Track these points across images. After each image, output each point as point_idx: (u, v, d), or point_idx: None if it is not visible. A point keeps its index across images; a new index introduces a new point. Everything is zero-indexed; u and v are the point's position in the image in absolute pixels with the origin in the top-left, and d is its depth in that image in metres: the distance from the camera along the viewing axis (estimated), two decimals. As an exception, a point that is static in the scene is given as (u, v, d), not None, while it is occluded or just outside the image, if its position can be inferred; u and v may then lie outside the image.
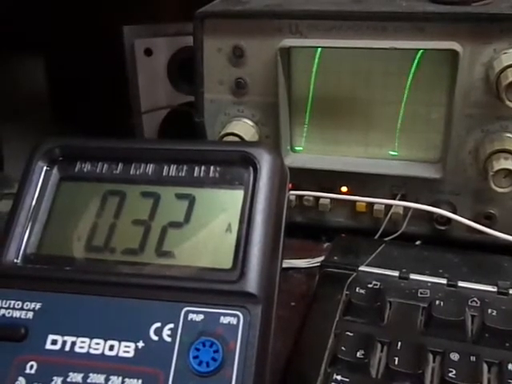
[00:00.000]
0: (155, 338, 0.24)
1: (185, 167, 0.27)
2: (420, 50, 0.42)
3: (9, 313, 0.25)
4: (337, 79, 0.45)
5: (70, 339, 0.25)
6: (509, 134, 0.42)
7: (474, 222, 0.42)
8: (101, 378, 0.24)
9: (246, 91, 0.46)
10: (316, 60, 0.45)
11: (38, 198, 0.28)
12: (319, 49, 0.44)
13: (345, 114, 0.46)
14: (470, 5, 0.41)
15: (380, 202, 0.45)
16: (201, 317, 0.24)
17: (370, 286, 0.38)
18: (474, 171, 0.44)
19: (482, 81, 0.41)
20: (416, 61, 0.43)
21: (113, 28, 0.67)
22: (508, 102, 0.39)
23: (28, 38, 0.73)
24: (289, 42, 0.43)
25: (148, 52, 0.67)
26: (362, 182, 0.47)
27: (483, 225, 0.42)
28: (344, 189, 0.48)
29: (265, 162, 0.26)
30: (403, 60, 0.43)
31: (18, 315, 0.25)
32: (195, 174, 0.27)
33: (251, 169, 0.27)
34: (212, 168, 0.27)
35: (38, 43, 0.75)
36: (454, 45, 0.40)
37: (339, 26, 0.43)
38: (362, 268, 0.40)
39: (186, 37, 0.64)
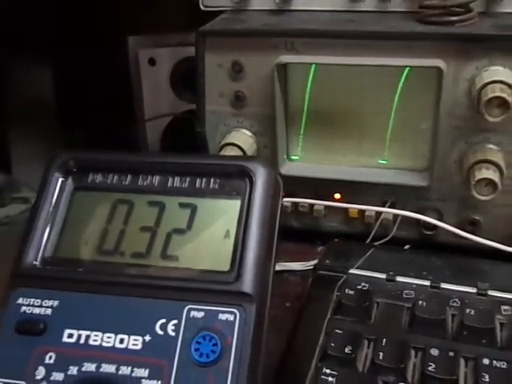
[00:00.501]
0: (161, 332, 0.27)
1: (188, 179, 0.30)
2: (407, 66, 0.45)
3: (29, 309, 0.28)
4: (330, 93, 0.48)
5: (84, 333, 0.27)
6: (491, 145, 0.45)
7: (460, 227, 0.45)
8: (112, 367, 0.27)
9: (245, 103, 0.49)
10: (311, 75, 0.47)
11: (54, 206, 0.31)
12: (314, 65, 0.47)
13: (338, 126, 0.49)
14: (454, 25, 0.44)
15: (371, 209, 0.48)
16: (201, 314, 0.27)
17: (358, 287, 0.41)
18: (458, 180, 0.47)
19: (466, 96, 0.44)
20: (404, 76, 0.46)
21: (118, 38, 0.70)
22: (488, 117, 0.41)
23: (35, 47, 0.76)
24: (285, 58, 0.46)
25: (152, 62, 0.69)
26: (354, 189, 0.49)
27: (468, 230, 0.45)
28: (337, 196, 0.51)
29: (260, 174, 0.29)
30: (392, 75, 0.46)
31: (37, 312, 0.28)
32: (197, 185, 0.30)
33: (248, 181, 0.30)
34: (212, 180, 0.30)
35: (45, 51, 0.77)
36: (438, 62, 0.43)
37: (333, 43, 0.45)
38: (351, 271, 0.42)
39: (189, 47, 0.67)
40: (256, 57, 0.47)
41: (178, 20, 0.73)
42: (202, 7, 0.54)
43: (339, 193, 0.50)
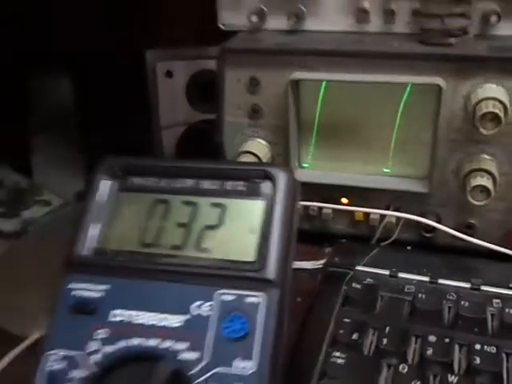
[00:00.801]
0: (196, 312, 0.31)
1: (218, 182, 0.35)
2: (409, 83, 0.49)
3: (81, 293, 0.33)
4: (339, 106, 0.52)
5: (130, 313, 0.32)
6: (485, 155, 0.49)
7: (457, 230, 0.49)
8: (154, 342, 0.31)
9: (261, 115, 0.53)
10: (321, 90, 0.52)
11: (101, 204, 0.35)
12: (324, 81, 0.51)
13: (346, 136, 0.53)
14: (452, 47, 0.48)
15: (375, 212, 0.52)
16: (232, 297, 0.31)
17: (364, 282, 0.45)
18: (456, 186, 0.51)
19: (462, 110, 0.48)
20: (406, 92, 0.50)
21: (136, 51, 0.74)
22: (482, 130, 0.46)
23: (56, 58, 0.80)
24: (298, 74, 0.51)
25: (169, 74, 0.73)
26: (360, 194, 0.54)
27: (465, 233, 0.49)
28: (344, 200, 0.55)
29: (281, 178, 0.34)
30: (396, 91, 0.50)
31: (88, 295, 0.33)
32: (226, 188, 0.35)
33: (270, 184, 0.34)
34: (239, 183, 0.34)
35: (65, 63, 0.82)
36: (438, 80, 0.47)
37: (342, 61, 0.50)
38: (358, 268, 0.47)
39: (204, 60, 0.71)
40: (271, 73, 0.52)
41: (193, 35, 0.77)
42: (221, 26, 0.59)
43: (346, 197, 0.55)
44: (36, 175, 0.86)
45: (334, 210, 0.54)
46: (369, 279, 0.45)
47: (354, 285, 0.45)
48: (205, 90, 0.71)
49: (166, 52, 0.74)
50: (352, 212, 0.54)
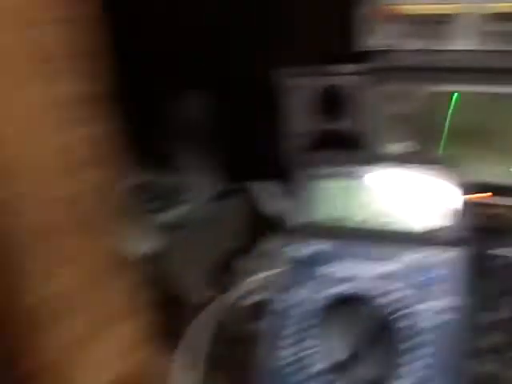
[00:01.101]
0: (396, 265, 0.42)
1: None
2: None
3: (298, 252, 0.44)
4: (470, 114, 0.61)
5: (340, 266, 0.43)
6: None
7: None
8: (362, 287, 0.41)
9: (402, 124, 0.63)
10: (455, 100, 0.61)
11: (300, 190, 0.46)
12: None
13: (478, 139, 0.61)
14: None
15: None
16: (426, 254, 0.42)
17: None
18: None
19: None
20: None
21: (265, 68, 0.84)
22: None
23: (195, 87, 0.92)
24: (436, 88, 0.60)
25: (295, 90, 0.82)
26: (492, 191, 0.62)
27: None
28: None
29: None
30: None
31: (306, 253, 0.44)
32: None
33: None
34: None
35: (200, 83, 0.93)
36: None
37: (472, 76, 0.59)
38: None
39: (327, 77, 0.80)
40: (412, 87, 0.61)
41: (319, 53, 0.86)
42: (358, 47, 0.68)
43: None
44: (180, 177, 0.97)
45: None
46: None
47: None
48: (327, 104, 0.80)
49: (293, 69, 0.84)
50: (485, 206, 0.62)
